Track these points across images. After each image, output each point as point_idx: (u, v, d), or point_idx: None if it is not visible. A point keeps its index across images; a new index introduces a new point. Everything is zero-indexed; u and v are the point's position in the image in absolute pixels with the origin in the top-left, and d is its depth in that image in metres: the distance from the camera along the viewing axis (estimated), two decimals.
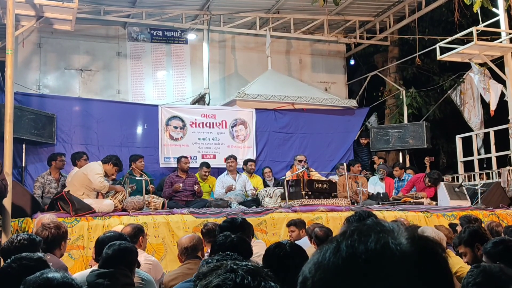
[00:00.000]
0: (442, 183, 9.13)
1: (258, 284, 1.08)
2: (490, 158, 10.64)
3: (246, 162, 9.87)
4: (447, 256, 0.85)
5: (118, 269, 3.30)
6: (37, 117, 9.15)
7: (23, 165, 9.20)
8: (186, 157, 9.25)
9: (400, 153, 12.19)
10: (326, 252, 0.83)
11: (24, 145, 9.13)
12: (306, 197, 8.20)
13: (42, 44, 11.29)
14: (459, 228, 6.08)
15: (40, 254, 2.97)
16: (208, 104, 11.54)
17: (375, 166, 11.60)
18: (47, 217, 5.08)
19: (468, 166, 11.40)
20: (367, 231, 0.83)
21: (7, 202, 6.30)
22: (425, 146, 11.32)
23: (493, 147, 10.56)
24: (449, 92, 12.09)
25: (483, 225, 6.30)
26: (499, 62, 10.24)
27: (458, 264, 4.03)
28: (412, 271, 0.79)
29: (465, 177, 11.06)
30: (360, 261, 0.79)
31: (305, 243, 5.43)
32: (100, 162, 7.55)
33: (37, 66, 11.29)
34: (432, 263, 0.82)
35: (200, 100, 11.77)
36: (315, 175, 9.39)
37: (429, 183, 9.22)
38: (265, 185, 9.73)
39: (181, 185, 8.69)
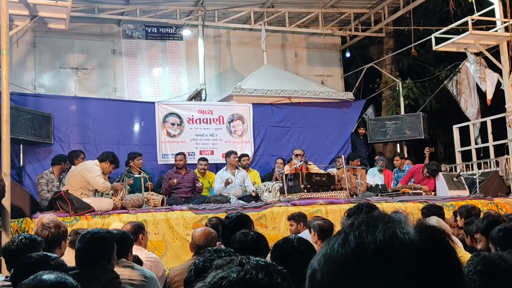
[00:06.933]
0: (440, 173, 9.15)
1: (261, 279, 1.10)
2: (488, 147, 10.66)
3: (240, 157, 9.85)
4: (455, 245, 0.85)
5: (97, 265, 3.07)
6: (34, 117, 9.13)
7: (21, 165, 9.19)
8: (180, 154, 9.21)
9: (398, 145, 12.21)
10: (334, 244, 0.84)
11: (21, 145, 9.12)
12: (305, 190, 8.21)
13: (36, 43, 11.24)
14: (457, 222, 6.10)
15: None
16: (204, 100, 11.52)
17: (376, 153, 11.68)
18: (47, 217, 5.07)
19: (466, 156, 11.43)
20: (375, 222, 0.84)
21: (6, 203, 6.29)
22: (423, 137, 11.34)
23: (490, 136, 10.59)
24: (445, 82, 12.10)
25: (481, 214, 6.32)
26: (495, 51, 10.25)
27: (459, 253, 4.05)
28: (421, 260, 0.79)
29: (463, 166, 11.09)
30: (369, 251, 0.80)
31: (305, 237, 5.43)
32: (97, 161, 7.53)
33: (32, 65, 11.24)
34: (440, 252, 0.82)
35: (196, 96, 11.75)
36: (313, 168, 9.41)
37: (428, 174, 9.25)
38: (269, 177, 9.74)
39: (175, 180, 8.67)
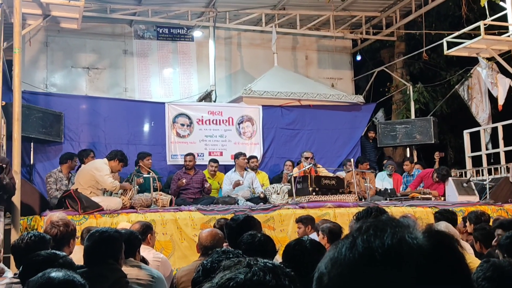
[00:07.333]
0: (450, 179, 9.10)
1: (268, 281, 1.10)
2: (498, 153, 10.58)
3: (249, 159, 9.84)
4: (464, 250, 0.85)
5: (105, 264, 3.09)
6: (45, 116, 9.18)
7: (32, 163, 9.25)
8: (189, 155, 9.21)
9: (408, 149, 12.16)
10: (342, 248, 0.83)
11: (32, 143, 9.19)
12: (314, 193, 8.19)
13: (49, 42, 11.33)
14: (466, 228, 6.05)
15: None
16: (214, 101, 11.54)
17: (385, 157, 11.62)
18: (56, 215, 5.10)
19: (476, 161, 11.35)
20: (383, 226, 0.83)
21: (16, 200, 6.34)
22: (433, 142, 11.29)
23: (501, 142, 10.50)
24: (456, 87, 12.03)
25: (491, 220, 6.28)
26: (507, 56, 10.18)
27: (468, 259, 4.02)
28: (429, 265, 0.79)
29: (473, 172, 11.01)
30: (377, 256, 0.79)
31: None
32: (106, 159, 7.55)
33: (44, 64, 11.32)
34: (448, 257, 0.82)
35: (206, 97, 11.78)
36: (322, 171, 9.38)
37: (437, 179, 9.20)
38: (278, 179, 9.72)
39: (184, 181, 8.68)
